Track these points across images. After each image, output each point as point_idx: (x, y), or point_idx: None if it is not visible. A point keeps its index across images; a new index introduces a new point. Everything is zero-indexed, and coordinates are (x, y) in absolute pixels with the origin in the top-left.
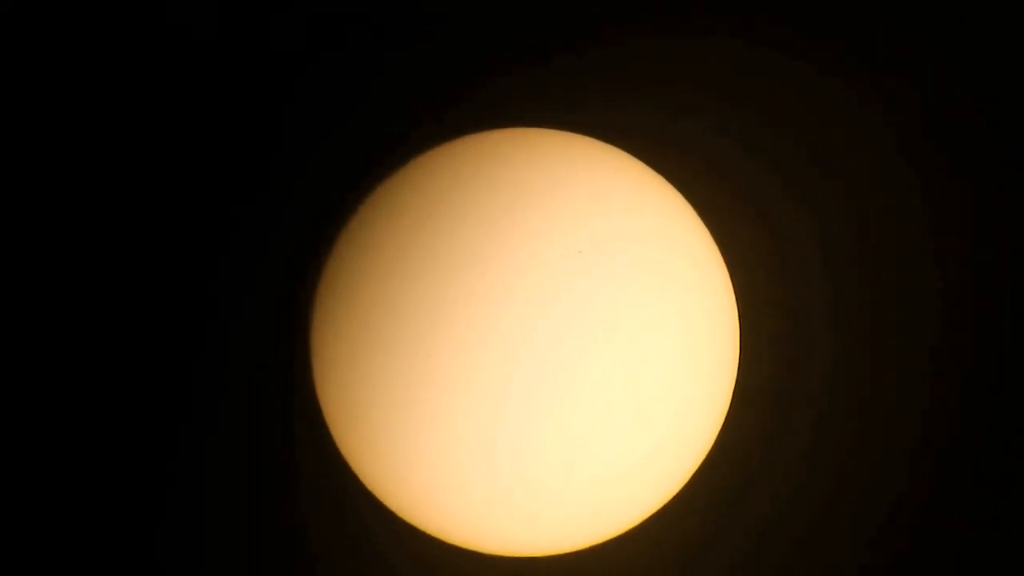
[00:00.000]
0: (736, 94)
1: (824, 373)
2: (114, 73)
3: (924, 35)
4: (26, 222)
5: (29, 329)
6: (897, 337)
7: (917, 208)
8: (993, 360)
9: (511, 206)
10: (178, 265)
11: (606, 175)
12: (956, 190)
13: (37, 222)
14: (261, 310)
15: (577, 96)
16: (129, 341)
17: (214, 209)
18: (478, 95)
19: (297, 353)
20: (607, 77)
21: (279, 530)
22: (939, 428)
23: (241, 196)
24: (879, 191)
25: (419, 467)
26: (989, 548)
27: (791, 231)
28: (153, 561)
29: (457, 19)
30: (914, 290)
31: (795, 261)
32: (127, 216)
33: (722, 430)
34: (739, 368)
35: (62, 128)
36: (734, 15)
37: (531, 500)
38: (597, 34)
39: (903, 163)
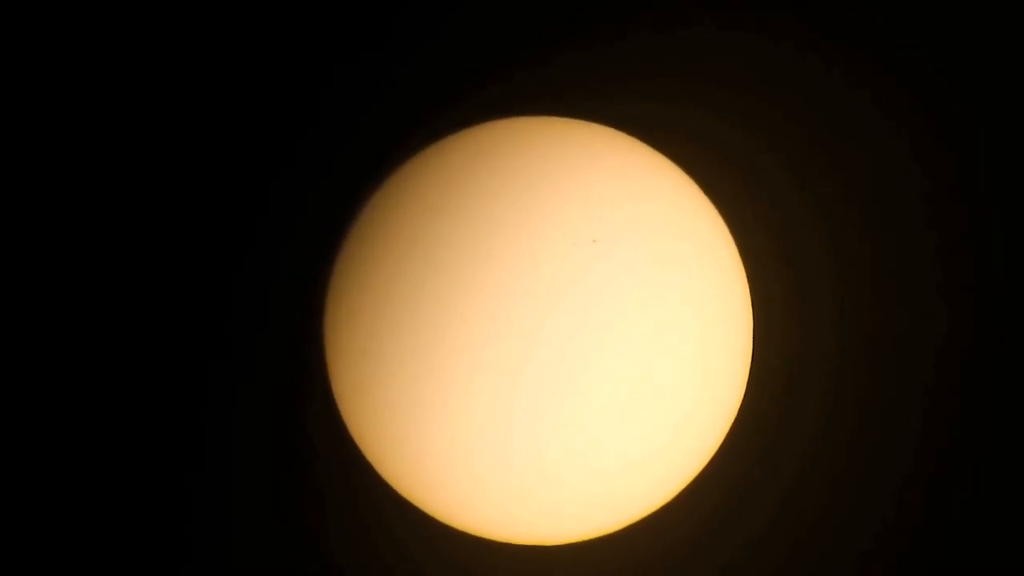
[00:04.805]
0: (751, 86)
1: (835, 361)
2: (126, 74)
3: (937, 36)
4: (44, 225)
5: (41, 329)
6: (905, 324)
7: (925, 203)
8: (997, 352)
9: (526, 195)
10: (191, 261)
11: (621, 164)
12: (962, 190)
13: (57, 227)
14: (274, 303)
15: (592, 85)
16: (144, 338)
17: (224, 204)
18: (491, 84)
19: (311, 345)
20: (623, 67)
21: (295, 521)
22: (943, 419)
23: (253, 190)
24: (889, 184)
25: (434, 456)
26: (992, 538)
27: (803, 220)
28: (171, 555)
29: (472, 7)
30: (920, 280)
31: (806, 249)
32: (141, 213)
33: (736, 418)
34: (752, 357)
35: (74, 133)
36: (751, 8)
37: (545, 488)
38: (615, 23)
39: (912, 160)
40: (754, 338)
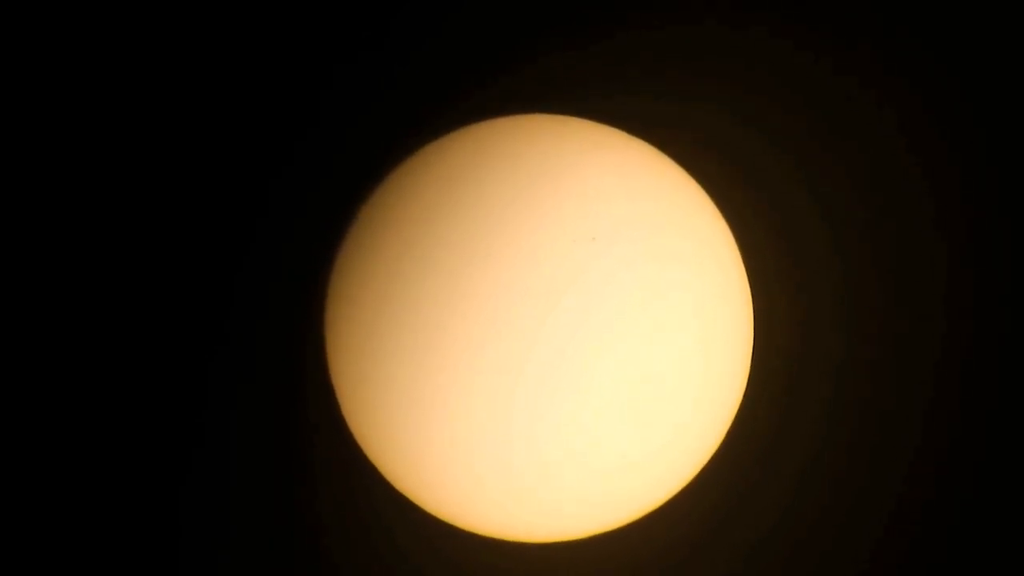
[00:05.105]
0: (751, 83)
1: (836, 361)
2: (127, 74)
3: (938, 32)
4: (45, 225)
5: (42, 329)
6: (905, 324)
7: (926, 202)
8: (997, 352)
9: (525, 193)
10: (192, 260)
11: (620, 162)
12: (965, 184)
13: (58, 227)
14: (274, 303)
15: (591, 83)
16: (144, 338)
17: (224, 203)
18: (489, 82)
19: (311, 345)
20: (622, 64)
21: (295, 519)
22: (943, 419)
23: (254, 190)
24: (890, 179)
25: (435, 455)
26: (992, 538)
27: (803, 217)
28: (171, 554)
29: (471, 7)
30: (921, 280)
31: (807, 246)
32: (142, 213)
33: (736, 418)
34: (753, 355)
35: (75, 134)
36: (750, 5)
37: (545, 487)
38: (613, 21)
39: (913, 158)
40: (754, 337)
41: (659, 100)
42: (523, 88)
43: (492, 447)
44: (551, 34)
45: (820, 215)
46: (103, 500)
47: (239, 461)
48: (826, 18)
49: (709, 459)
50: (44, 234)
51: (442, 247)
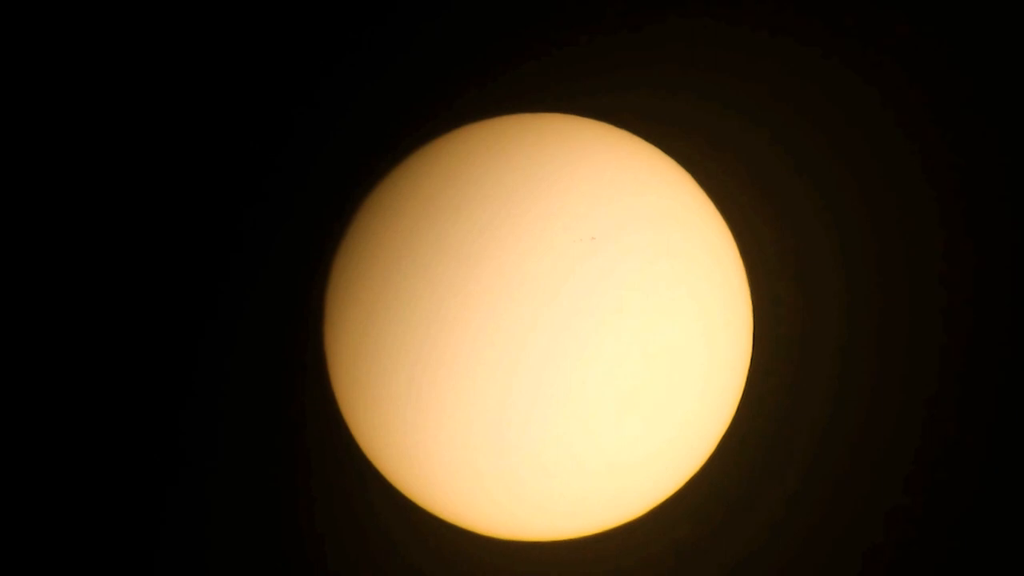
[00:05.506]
0: (750, 79)
1: (836, 357)
2: (123, 74)
3: (940, 31)
4: (42, 226)
5: (39, 331)
6: (907, 321)
7: (927, 197)
8: (998, 350)
9: (523, 192)
10: (191, 261)
11: (618, 160)
12: (966, 184)
13: (55, 228)
14: (274, 302)
15: (589, 81)
16: (144, 338)
17: (223, 204)
18: (488, 81)
19: (310, 339)
20: (620, 62)
21: (293, 518)
22: (944, 418)
23: (253, 190)
24: (890, 177)
25: (434, 454)
26: (992, 538)
27: (803, 214)
28: (170, 554)
29: (471, 6)
30: (923, 276)
31: (807, 243)
32: (139, 214)
33: (736, 415)
34: (752, 353)
35: (71, 133)
36: (751, 2)
37: (545, 485)
38: (612, 19)
39: (914, 153)
40: (754, 335)
41: (658, 97)
42: (521, 87)
43: (491, 446)
44: (549, 33)
45: (819, 212)
46: (100, 499)
47: (237, 460)
48: (826, 16)
49: (709, 457)
50: (44, 234)
51: (440, 246)
